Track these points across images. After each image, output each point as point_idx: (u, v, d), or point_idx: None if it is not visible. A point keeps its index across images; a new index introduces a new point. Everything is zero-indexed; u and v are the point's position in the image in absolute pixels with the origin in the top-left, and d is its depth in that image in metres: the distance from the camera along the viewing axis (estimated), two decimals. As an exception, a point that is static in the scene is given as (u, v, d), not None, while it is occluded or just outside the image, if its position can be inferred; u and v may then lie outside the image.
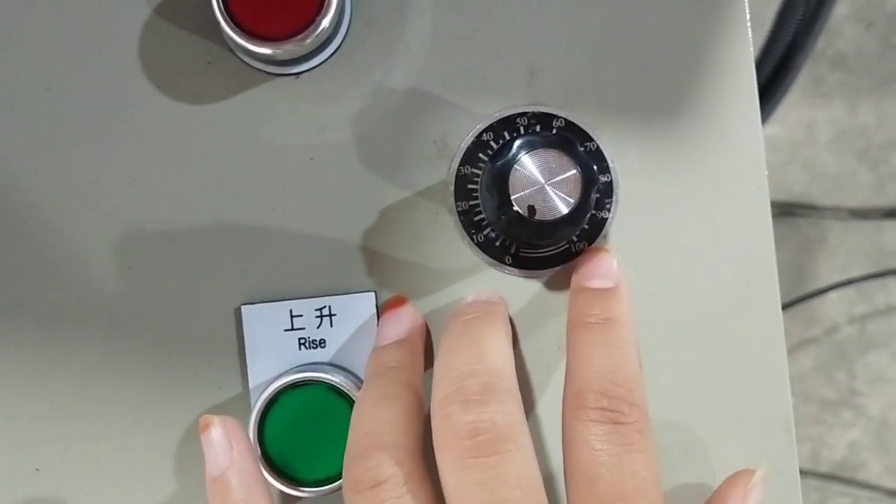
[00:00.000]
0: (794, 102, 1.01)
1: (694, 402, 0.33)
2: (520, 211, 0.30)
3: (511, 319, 0.32)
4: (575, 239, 0.32)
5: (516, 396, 0.28)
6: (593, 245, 0.33)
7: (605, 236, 0.33)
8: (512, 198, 0.30)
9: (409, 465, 0.27)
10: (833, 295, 1.01)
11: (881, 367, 1.03)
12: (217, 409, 0.32)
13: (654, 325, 0.33)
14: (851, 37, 1.01)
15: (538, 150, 0.30)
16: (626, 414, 0.28)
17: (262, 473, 0.30)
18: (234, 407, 0.32)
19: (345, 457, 0.28)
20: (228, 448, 0.29)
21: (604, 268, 0.31)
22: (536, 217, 0.30)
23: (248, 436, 0.30)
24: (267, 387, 0.31)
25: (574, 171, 0.30)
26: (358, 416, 0.29)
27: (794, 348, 1.02)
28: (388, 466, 0.27)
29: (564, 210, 0.30)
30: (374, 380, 0.30)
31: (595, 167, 0.30)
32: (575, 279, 0.31)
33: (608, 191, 0.32)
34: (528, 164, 0.30)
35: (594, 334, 0.30)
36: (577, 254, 0.32)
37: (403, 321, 0.32)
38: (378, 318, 0.32)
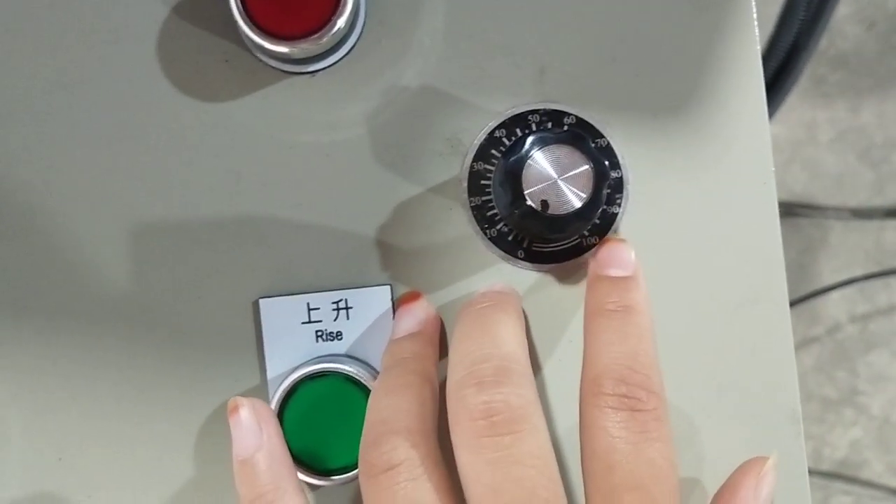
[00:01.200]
0: (795, 102, 1.02)
1: (702, 394, 0.34)
2: (533, 205, 0.30)
3: (523, 310, 0.33)
4: (586, 233, 0.33)
5: (530, 380, 0.29)
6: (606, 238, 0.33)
7: (615, 231, 0.33)
8: (525, 192, 0.30)
9: (424, 449, 0.28)
10: (835, 294, 1.02)
11: (883, 366, 1.03)
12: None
13: (663, 319, 0.33)
14: (852, 37, 1.02)
15: (550, 146, 0.31)
16: (643, 401, 0.28)
17: (290, 457, 0.30)
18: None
19: (360, 443, 0.29)
20: (258, 430, 0.30)
21: (622, 257, 0.31)
22: (549, 211, 0.30)
23: (276, 419, 0.31)
24: (285, 378, 0.32)
25: (586, 167, 0.30)
26: (373, 404, 0.29)
27: (796, 347, 1.02)
28: (403, 450, 0.28)
29: (577, 204, 0.30)
30: (390, 370, 0.30)
31: (606, 163, 0.31)
32: (593, 268, 0.32)
33: (618, 186, 0.33)
34: (541, 160, 0.30)
35: (612, 321, 0.30)
36: (589, 248, 0.33)
37: (417, 315, 0.32)
38: (394, 310, 0.33)
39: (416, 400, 0.29)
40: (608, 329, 0.30)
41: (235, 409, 0.30)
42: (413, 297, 0.33)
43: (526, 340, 0.31)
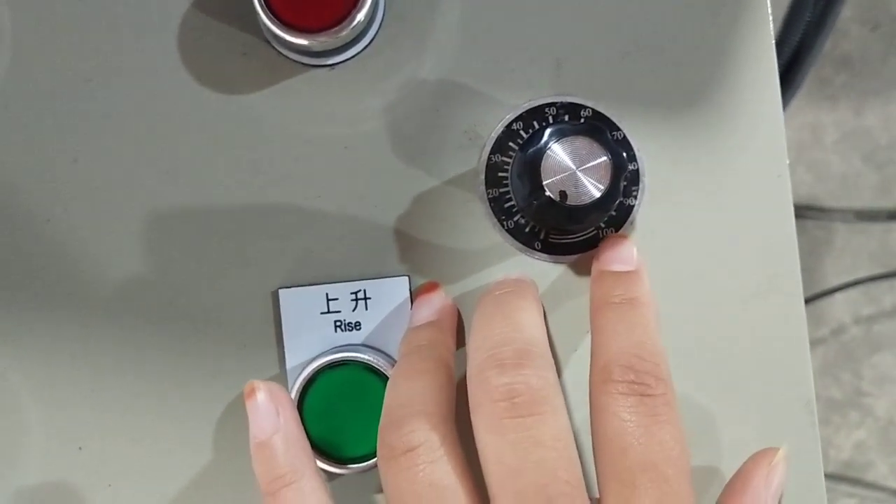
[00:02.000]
0: (800, 105, 1.02)
1: (717, 385, 0.34)
2: (552, 196, 0.31)
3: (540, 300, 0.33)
4: (602, 225, 0.33)
5: (550, 363, 0.29)
6: (620, 231, 0.33)
7: (631, 223, 0.34)
8: (544, 183, 0.31)
9: (443, 432, 0.28)
10: (839, 296, 1.02)
11: (887, 368, 1.03)
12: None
13: (679, 309, 0.34)
14: (857, 39, 1.02)
15: (569, 138, 0.31)
16: (652, 387, 0.28)
17: (307, 440, 0.31)
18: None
19: (379, 427, 0.29)
20: (275, 413, 0.30)
21: (624, 253, 0.32)
22: (568, 202, 0.31)
23: (293, 402, 0.31)
24: (304, 368, 0.32)
25: (604, 158, 0.31)
26: (391, 389, 0.30)
27: (801, 348, 1.02)
28: (422, 432, 0.28)
29: (596, 195, 0.30)
30: (408, 357, 0.31)
31: (624, 154, 0.31)
32: (596, 265, 0.32)
33: (635, 179, 0.33)
34: (560, 151, 0.31)
35: (618, 314, 0.30)
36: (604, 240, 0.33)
37: (435, 304, 0.32)
38: (412, 301, 0.33)
39: (434, 385, 0.29)
40: (615, 320, 0.30)
41: (252, 392, 0.30)
42: (430, 287, 0.33)
43: (545, 327, 0.31)
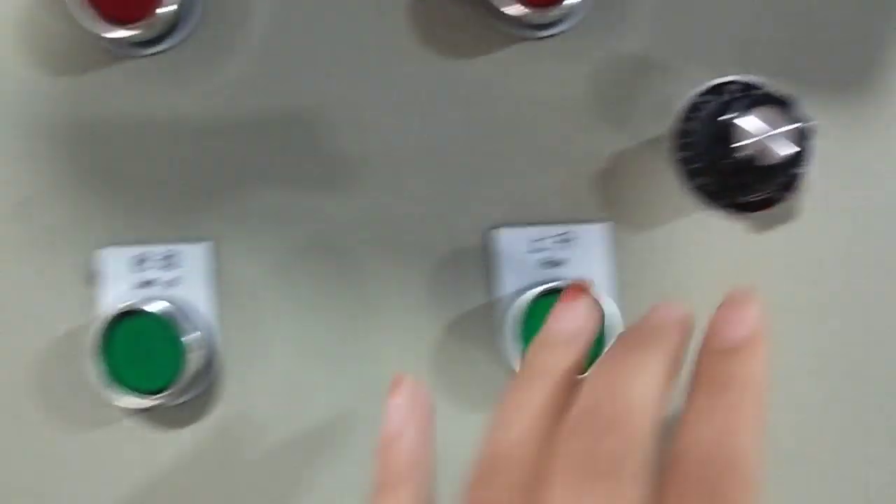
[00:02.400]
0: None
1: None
2: (745, 155, 0.35)
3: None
4: (777, 188, 0.38)
5: (643, 441, 0.25)
6: (791, 198, 0.38)
7: (799, 189, 0.38)
8: (737, 144, 0.35)
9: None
10: None
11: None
12: (465, 320, 0.37)
13: (818, 266, 0.38)
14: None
15: (758, 107, 0.35)
16: (720, 489, 0.24)
17: (432, 447, 0.29)
18: (479, 318, 0.37)
19: (471, 474, 0.27)
20: (409, 415, 0.29)
21: (740, 321, 0.27)
22: (760, 163, 0.35)
23: (431, 407, 0.29)
24: (517, 297, 0.36)
25: (792, 125, 0.35)
26: (497, 425, 0.27)
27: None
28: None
29: (787, 152, 0.35)
30: (529, 381, 0.28)
31: (808, 124, 0.36)
32: (707, 333, 0.27)
33: (807, 149, 0.38)
34: (750, 119, 0.35)
35: (711, 397, 0.26)
36: (778, 201, 0.38)
37: (579, 315, 0.29)
38: (610, 248, 0.37)
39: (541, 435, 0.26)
40: (703, 402, 0.26)
41: (397, 388, 0.29)
42: (578, 290, 0.30)
43: (665, 389, 0.26)
